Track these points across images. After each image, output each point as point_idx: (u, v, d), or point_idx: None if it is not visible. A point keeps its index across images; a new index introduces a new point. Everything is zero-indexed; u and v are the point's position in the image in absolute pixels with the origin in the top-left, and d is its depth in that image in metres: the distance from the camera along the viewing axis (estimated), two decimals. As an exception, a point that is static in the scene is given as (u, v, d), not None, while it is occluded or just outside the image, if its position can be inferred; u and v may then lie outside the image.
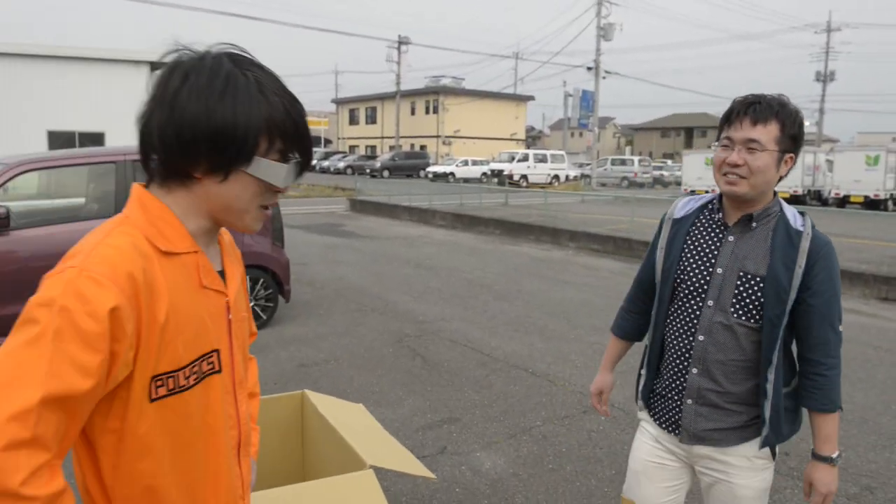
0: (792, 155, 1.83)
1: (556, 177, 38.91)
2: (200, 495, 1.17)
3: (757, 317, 1.83)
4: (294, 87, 1.18)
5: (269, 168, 1.11)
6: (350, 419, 2.76)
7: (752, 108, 1.80)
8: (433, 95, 55.47)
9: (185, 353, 1.09)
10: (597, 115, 39.28)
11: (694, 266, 1.92)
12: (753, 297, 1.83)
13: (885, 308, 8.53)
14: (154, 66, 22.65)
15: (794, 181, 25.63)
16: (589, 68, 37.03)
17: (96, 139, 20.46)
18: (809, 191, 26.08)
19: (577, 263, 11.35)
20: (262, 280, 6.56)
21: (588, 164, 42.11)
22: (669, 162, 50.90)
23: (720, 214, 1.93)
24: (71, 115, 20.62)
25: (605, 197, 26.07)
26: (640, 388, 2.12)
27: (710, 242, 1.92)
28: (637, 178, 39.07)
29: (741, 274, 1.84)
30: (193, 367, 1.12)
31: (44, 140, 20.35)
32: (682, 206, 2.04)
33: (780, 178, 1.86)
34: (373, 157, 49.41)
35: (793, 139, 1.82)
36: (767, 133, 1.78)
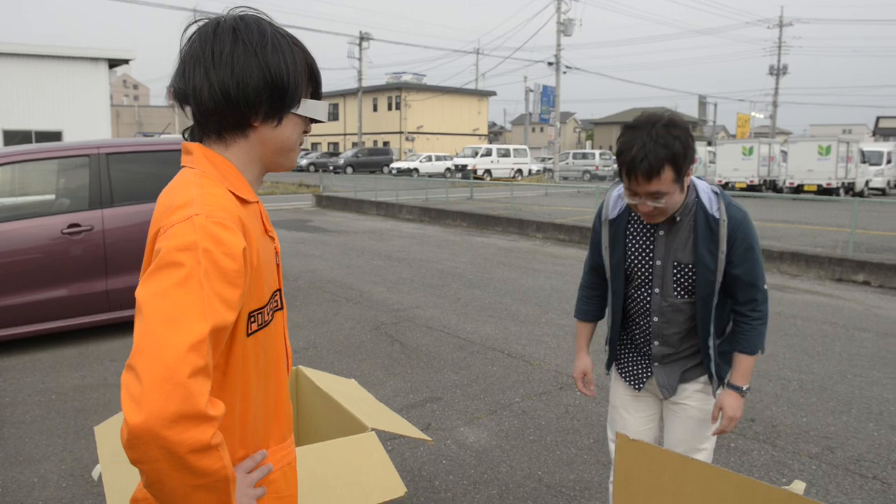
0: (692, 166, 2.03)
1: (520, 171, 39.27)
2: (274, 423, 1.31)
3: (692, 293, 2.15)
4: None
5: (313, 107, 1.28)
6: (345, 391, 2.88)
7: (642, 168, 1.91)
8: (395, 92, 55.42)
9: (266, 292, 1.22)
10: (558, 110, 39.72)
11: (637, 261, 2.20)
12: (688, 281, 2.13)
13: (839, 288, 8.91)
14: (112, 63, 22.28)
15: (751, 172, 26.36)
16: (550, 63, 37.43)
17: (54, 138, 20.05)
18: (765, 181, 26.84)
19: (545, 253, 11.57)
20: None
21: (550, 159, 42.57)
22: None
23: None
24: (27, 114, 20.16)
25: (569, 189, 26.43)
26: (607, 360, 2.48)
27: (645, 238, 2.18)
28: (598, 172, 39.64)
29: (675, 264, 2.12)
30: (270, 304, 1.24)
31: (-1, 139, 19.88)
32: (612, 206, 2.25)
33: (687, 185, 2.09)
34: (335, 153, 49.21)
35: (687, 160, 1.97)
36: (664, 182, 1.94)
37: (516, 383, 4.98)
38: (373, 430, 2.46)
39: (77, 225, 5.73)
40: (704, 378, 2.27)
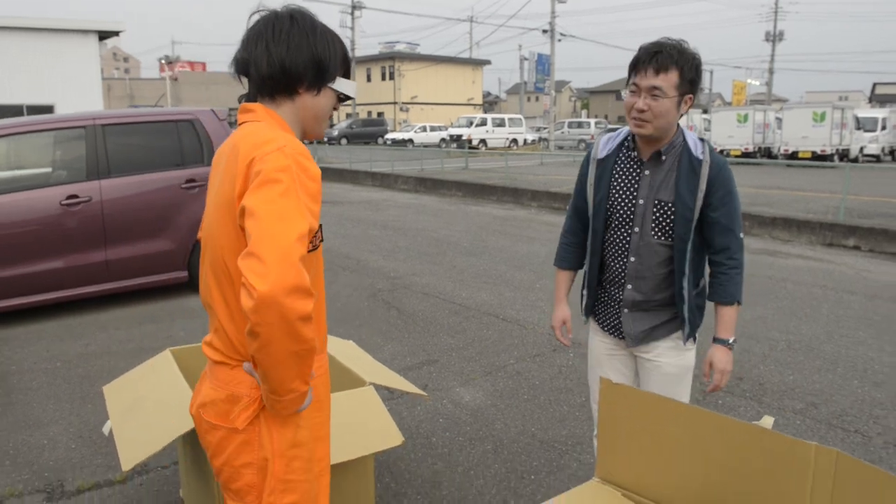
0: (691, 96, 2.12)
1: (515, 140, 39.17)
2: (323, 334, 1.61)
3: (670, 234, 2.18)
4: None
5: (345, 84, 1.58)
6: (344, 350, 2.98)
7: (654, 59, 2.05)
8: (389, 61, 54.96)
9: (317, 220, 1.45)
10: (553, 79, 39.48)
11: (621, 200, 2.24)
12: (667, 220, 2.17)
13: (829, 252, 9.04)
14: (102, 35, 22.03)
15: (746, 139, 26.35)
16: (544, 31, 37.15)
17: (45, 111, 19.91)
18: (760, 148, 26.85)
19: (540, 221, 11.65)
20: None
21: (545, 128, 42.44)
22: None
23: (635, 152, 2.24)
24: (18, 88, 19.97)
25: (564, 159, 26.42)
26: (584, 305, 2.47)
27: (631, 178, 2.24)
28: (593, 141, 39.41)
29: (656, 202, 2.17)
30: (319, 231, 1.50)
31: (-10, 114, 19.73)
32: (603, 146, 2.34)
33: (681, 115, 2.17)
34: (330, 125, 48.93)
35: (691, 83, 2.09)
36: (668, 80, 2.05)
37: (511, 346, 5.10)
38: (371, 384, 2.57)
39: (75, 196, 5.78)
40: (677, 335, 2.29)
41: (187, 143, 6.43)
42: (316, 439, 1.59)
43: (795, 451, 1.45)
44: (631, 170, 2.23)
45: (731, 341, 2.22)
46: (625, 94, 2.17)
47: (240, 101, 1.58)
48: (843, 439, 3.66)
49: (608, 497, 1.77)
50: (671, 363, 2.31)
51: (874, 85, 67.28)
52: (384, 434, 2.35)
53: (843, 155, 24.20)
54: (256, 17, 1.52)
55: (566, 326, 2.52)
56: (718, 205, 2.13)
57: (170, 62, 61.24)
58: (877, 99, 62.49)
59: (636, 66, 2.10)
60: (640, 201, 2.19)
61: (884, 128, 28.01)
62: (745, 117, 26.61)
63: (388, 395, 4.09)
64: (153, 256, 6.21)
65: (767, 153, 26.95)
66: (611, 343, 2.41)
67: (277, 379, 1.34)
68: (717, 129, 27.43)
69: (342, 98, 1.60)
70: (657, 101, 2.06)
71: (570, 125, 43.63)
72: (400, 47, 56.74)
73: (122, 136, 6.14)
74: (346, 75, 1.59)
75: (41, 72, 20.11)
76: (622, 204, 2.23)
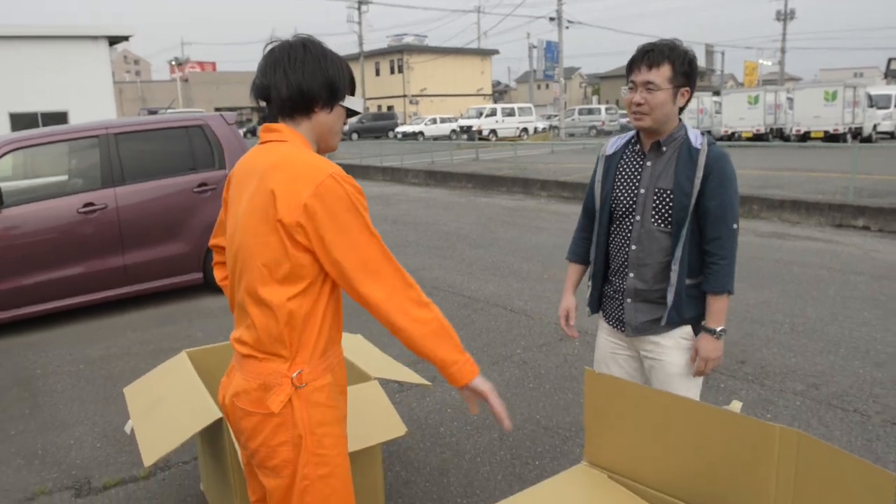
0: (687, 89, 2.24)
1: (525, 129, 39.12)
2: (340, 326, 1.83)
3: (669, 221, 2.26)
4: (256, 54, 1.77)
5: (353, 100, 1.79)
6: (352, 344, 3.12)
7: (647, 56, 2.20)
8: (397, 55, 55.00)
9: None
10: (562, 66, 39.37)
11: (624, 191, 2.35)
12: (665, 207, 2.26)
13: (838, 234, 9.06)
14: (112, 40, 22.30)
15: (757, 120, 26.18)
16: (551, 19, 37.02)
17: (60, 118, 20.19)
18: (772, 129, 26.66)
19: (549, 211, 11.73)
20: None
21: (556, 116, 42.30)
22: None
23: (638, 146, 2.37)
24: (32, 96, 20.28)
25: (575, 146, 26.40)
26: (589, 296, 2.54)
27: (634, 170, 2.35)
28: (605, 127, 39.44)
29: (656, 190, 2.27)
30: None
31: (6, 123, 20.06)
32: (612, 144, 2.48)
33: (681, 109, 2.28)
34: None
35: (685, 76, 2.22)
36: (661, 75, 2.19)
37: (518, 336, 5.22)
38: (376, 379, 2.70)
39: (92, 204, 5.96)
40: (681, 332, 2.33)
41: (198, 148, 6.59)
42: (341, 419, 1.78)
43: (761, 433, 1.56)
44: (634, 162, 2.36)
45: (718, 331, 2.27)
46: (624, 91, 2.31)
47: (260, 123, 1.81)
48: (841, 419, 3.75)
49: (595, 480, 1.89)
50: (673, 362, 2.35)
51: (889, 60, 66.30)
52: (388, 426, 2.49)
53: (857, 133, 23.98)
54: (272, 48, 1.71)
55: (570, 316, 2.58)
56: (712, 194, 2.20)
57: (180, 63, 61.66)
58: (892, 74, 61.59)
59: (631, 66, 2.26)
60: (642, 191, 2.30)
61: (898, 104, 27.70)
62: (756, 99, 26.42)
63: (398, 388, 4.22)
64: (169, 260, 6.39)
65: (780, 134, 26.76)
66: (615, 341, 2.49)
67: (437, 358, 1.68)
68: (727, 112, 27.26)
69: (350, 113, 1.82)
70: (652, 94, 2.19)
71: (581, 112, 43.51)
72: (408, 40, 56.75)
73: (135, 144, 6.31)
74: (352, 93, 1.80)
75: (54, 79, 20.40)
76: (625, 194, 2.34)
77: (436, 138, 36.48)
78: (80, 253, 5.94)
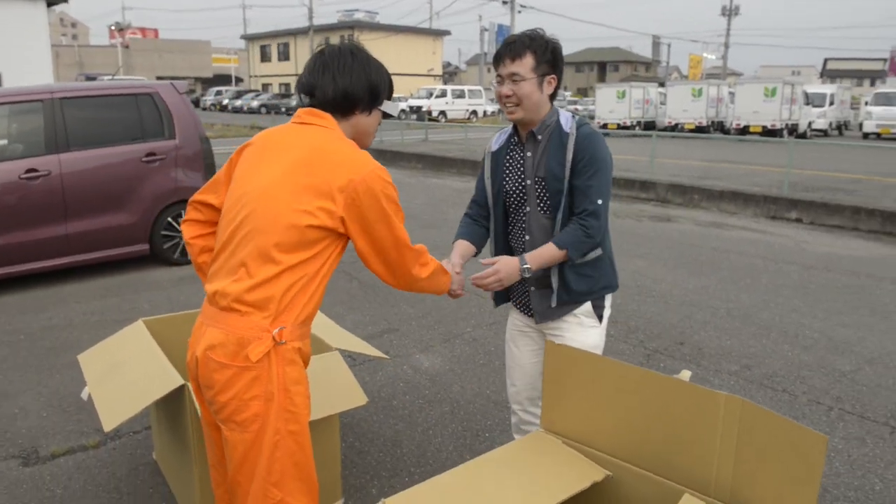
0: (553, 76, 2.28)
1: (475, 112, 39.23)
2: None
3: (549, 207, 2.32)
4: (200, 22, 1.78)
5: (390, 105, 1.99)
6: (309, 319, 3.15)
7: (508, 48, 2.25)
8: (348, 31, 54.19)
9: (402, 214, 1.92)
10: (513, 51, 39.46)
11: (512, 184, 2.41)
12: (545, 194, 2.32)
13: (773, 225, 9.47)
14: (50, 2, 21.32)
15: (699, 113, 26.93)
16: (504, 2, 37.09)
17: (-9, 80, 19.29)
18: (713, 122, 27.47)
19: (498, 194, 11.86)
20: (197, 214, 6.73)
21: (505, 100, 42.45)
22: (584, 98, 51.96)
23: (516, 138, 2.44)
24: (-39, 55, 19.29)
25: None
26: (494, 293, 2.51)
27: (517, 163, 2.41)
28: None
29: (536, 179, 2.34)
30: None
31: (-68, 82, 19.03)
32: (496, 140, 2.53)
33: (552, 97, 2.33)
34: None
35: (549, 63, 2.26)
36: (524, 65, 2.23)
37: (468, 315, 5.33)
38: (336, 349, 2.75)
39: (34, 170, 5.78)
40: (581, 310, 2.39)
41: (147, 117, 6.44)
42: (308, 383, 1.86)
43: (707, 400, 1.69)
44: (517, 155, 2.41)
45: (526, 266, 2.24)
46: (493, 85, 2.36)
47: (296, 107, 1.96)
48: (771, 398, 3.99)
49: (551, 445, 2.00)
50: (574, 339, 2.37)
51: (825, 60, 68.93)
52: (349, 395, 2.55)
53: (792, 130, 24.93)
54: (322, 49, 1.91)
55: (454, 264, 2.39)
56: (580, 173, 2.24)
57: (121, 29, 59.39)
58: (827, 74, 64.06)
59: (497, 60, 2.29)
60: (528, 181, 2.35)
61: (832, 103, 28.89)
62: (700, 92, 27.15)
63: (352, 362, 4.28)
64: (114, 230, 6.25)
65: (720, 127, 27.60)
66: (523, 321, 2.56)
67: (426, 289, 2.08)
68: (672, 104, 27.94)
69: (385, 115, 2.00)
70: (517, 84, 2.24)
71: (530, 97, 43.72)
72: (359, 16, 56.00)
73: (81, 110, 6.12)
74: (390, 99, 2.00)
75: (-13, 39, 19.41)
76: (514, 187, 2.39)
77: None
78: (20, 220, 5.75)
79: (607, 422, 1.91)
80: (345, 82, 1.85)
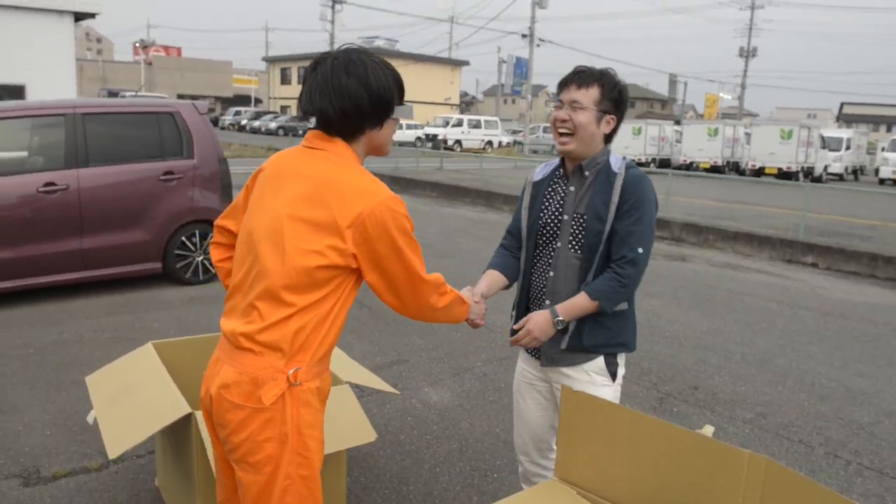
0: (613, 117, 2.24)
1: (490, 143, 39.45)
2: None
3: (581, 246, 2.23)
4: (222, 42, 1.73)
5: (402, 110, 1.82)
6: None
7: (577, 76, 2.23)
8: (367, 57, 54.76)
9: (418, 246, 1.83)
10: (530, 83, 39.84)
11: (548, 217, 2.32)
12: (580, 232, 2.23)
13: (789, 269, 9.38)
14: (78, 16, 21.72)
15: (715, 153, 26.93)
16: (524, 35, 37.44)
17: (16, 92, 19.54)
18: (728, 162, 27.45)
19: (512, 225, 11.84)
20: (210, 235, 6.73)
21: (521, 131, 42.76)
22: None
23: (562, 170, 2.37)
24: (-11, 66, 19.63)
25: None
26: (512, 325, 2.41)
27: (558, 196, 2.32)
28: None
29: (575, 215, 2.25)
30: None
31: (-41, 91, 19.34)
32: (539, 171, 2.47)
33: (608, 138, 2.28)
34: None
35: (613, 102, 2.22)
36: (589, 95, 2.20)
37: (478, 349, 5.27)
38: (346, 383, 2.71)
39: (53, 184, 5.81)
40: (593, 366, 2.27)
41: (167, 136, 6.49)
42: (323, 426, 1.81)
43: (730, 458, 1.63)
44: (559, 188, 2.33)
45: (558, 318, 2.18)
46: (550, 109, 2.31)
47: (308, 129, 1.84)
48: (787, 449, 3.89)
49: (565, 496, 1.94)
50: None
51: (842, 104, 68.98)
52: (358, 430, 2.50)
53: (808, 173, 24.88)
54: (314, 65, 1.73)
55: (475, 295, 2.30)
56: (623, 216, 2.16)
57: (145, 46, 60.38)
58: (843, 118, 64.07)
59: (562, 85, 2.26)
60: (565, 217, 2.27)
61: (848, 148, 28.86)
62: (716, 131, 27.19)
63: (359, 394, 4.22)
64: (128, 247, 6.26)
65: (736, 168, 27.57)
66: (531, 370, 2.44)
67: (442, 320, 2.00)
68: (687, 142, 27.98)
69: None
70: (576, 111, 2.19)
71: (546, 129, 43.97)
72: (379, 43, 56.65)
73: (102, 126, 6.17)
74: (402, 98, 1.83)
75: (13, 51, 19.74)
76: (550, 221, 2.31)
77: (401, 144, 36.47)
78: (36, 233, 5.77)
79: (624, 474, 1.85)
80: (344, 105, 1.69)
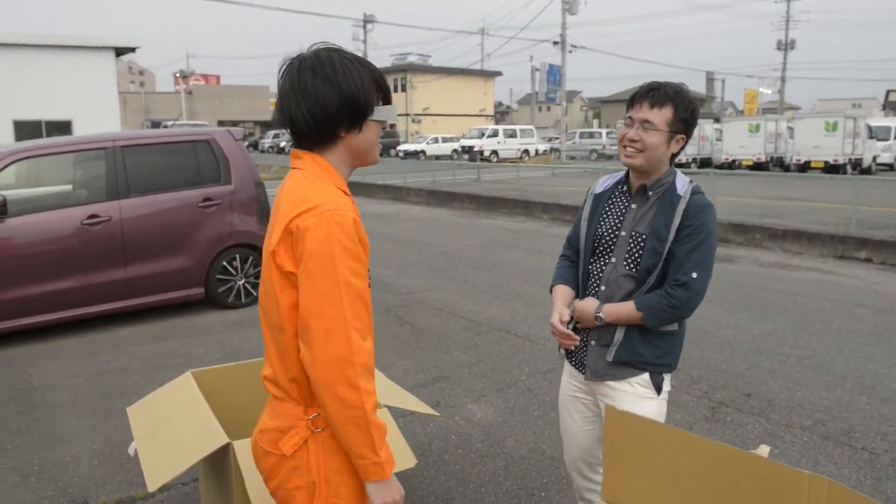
0: (683, 136, 2.19)
1: (526, 151, 39.26)
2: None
3: (637, 265, 2.19)
4: (259, 68, 1.69)
5: (384, 111, 1.61)
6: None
7: (651, 94, 2.16)
8: (401, 73, 55.31)
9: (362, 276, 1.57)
10: (564, 89, 39.58)
11: (607, 232, 2.28)
12: (638, 251, 2.19)
13: (841, 265, 9.04)
14: (119, 51, 22.41)
15: (757, 149, 26.32)
16: (555, 42, 37.27)
17: (63, 127, 20.26)
18: (772, 157, 26.79)
19: (551, 234, 11.72)
20: (250, 258, 6.81)
21: (557, 138, 42.50)
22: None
23: (626, 186, 2.31)
24: (36, 104, 20.36)
25: (575, 170, 26.47)
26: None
27: (619, 211, 2.29)
28: (605, 151, 39.57)
29: (633, 233, 2.21)
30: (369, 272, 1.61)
31: (10, 130, 20.09)
32: (602, 183, 2.42)
33: (674, 156, 2.22)
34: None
35: (684, 122, 2.17)
36: (661, 116, 2.14)
37: (522, 362, 5.17)
38: (385, 406, 2.65)
39: (96, 216, 5.93)
40: (638, 380, 2.23)
41: (204, 163, 6.58)
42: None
43: (789, 480, 1.53)
44: (620, 204, 2.30)
45: (600, 313, 2.20)
46: (620, 125, 2.26)
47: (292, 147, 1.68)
48: (850, 456, 3.70)
49: (613, 519, 1.85)
50: (628, 410, 2.10)
51: (888, 92, 66.81)
52: (397, 456, 2.43)
53: (856, 164, 24.10)
54: (281, 69, 1.56)
55: (564, 321, 2.31)
56: (682, 240, 2.13)
57: (184, 76, 61.96)
58: (890, 106, 62.06)
59: (633, 101, 2.20)
60: (623, 233, 2.24)
61: (897, 136, 27.88)
62: (757, 127, 26.59)
63: (401, 413, 4.17)
64: (171, 274, 6.35)
65: (780, 163, 26.89)
66: (576, 384, 2.41)
67: (345, 443, 1.49)
68: (728, 140, 27.41)
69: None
70: (647, 132, 2.14)
71: (582, 135, 43.74)
72: (412, 59, 57.12)
73: (141, 157, 6.30)
74: (386, 98, 1.63)
75: (59, 88, 20.47)
76: (607, 236, 2.28)
77: (437, 157, 36.59)
78: (82, 265, 5.90)
79: (675, 498, 1.75)
80: (311, 108, 1.51)
